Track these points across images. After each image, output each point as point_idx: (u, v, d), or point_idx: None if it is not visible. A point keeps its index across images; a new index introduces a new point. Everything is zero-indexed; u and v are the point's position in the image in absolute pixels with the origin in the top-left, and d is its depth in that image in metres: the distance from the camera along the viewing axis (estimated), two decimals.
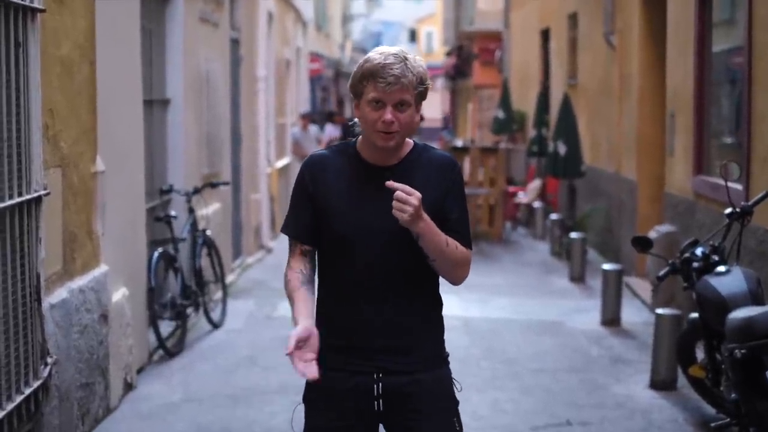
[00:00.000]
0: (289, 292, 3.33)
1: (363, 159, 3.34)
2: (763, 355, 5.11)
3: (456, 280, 3.37)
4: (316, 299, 3.39)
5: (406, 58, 3.22)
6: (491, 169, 16.22)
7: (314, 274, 3.41)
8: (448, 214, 3.31)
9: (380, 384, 3.30)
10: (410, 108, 3.24)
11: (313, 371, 3.12)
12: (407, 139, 3.37)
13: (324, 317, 3.37)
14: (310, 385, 3.38)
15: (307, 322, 3.20)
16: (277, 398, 7.02)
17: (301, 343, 3.13)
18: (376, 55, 3.24)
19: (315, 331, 3.19)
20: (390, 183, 3.16)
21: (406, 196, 3.13)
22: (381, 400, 3.31)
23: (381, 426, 3.40)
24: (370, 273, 3.28)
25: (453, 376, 3.45)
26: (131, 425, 6.54)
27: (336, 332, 3.33)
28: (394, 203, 3.14)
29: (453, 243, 3.27)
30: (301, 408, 3.44)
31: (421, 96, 3.27)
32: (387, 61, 3.19)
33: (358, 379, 3.30)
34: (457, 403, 3.43)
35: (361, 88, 3.25)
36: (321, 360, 3.32)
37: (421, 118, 3.36)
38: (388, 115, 3.20)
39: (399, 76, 3.18)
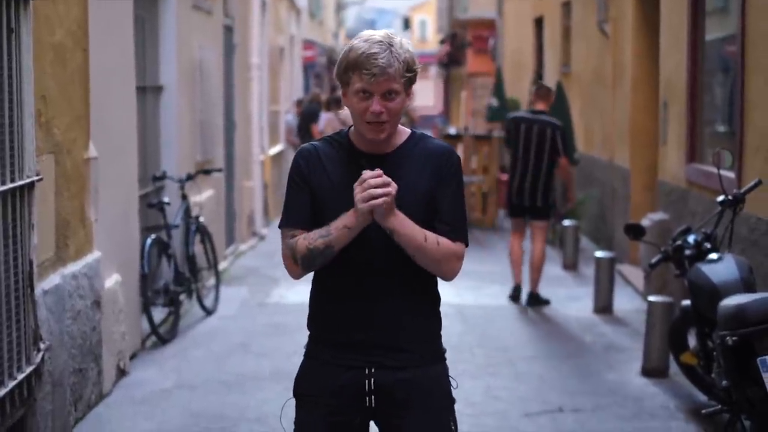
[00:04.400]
0: (310, 239, 3.16)
1: (356, 148, 3.26)
2: (755, 342, 5.12)
3: (443, 275, 3.26)
4: (310, 291, 3.35)
5: (391, 45, 3.11)
6: (484, 157, 16.23)
7: None
8: (437, 205, 3.22)
9: (372, 379, 3.23)
10: (399, 95, 3.14)
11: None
12: (404, 128, 3.30)
13: (317, 312, 3.33)
14: (300, 380, 3.35)
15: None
16: (269, 384, 7.03)
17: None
18: (360, 42, 3.13)
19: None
20: (365, 173, 3.07)
21: (383, 188, 3.04)
22: (373, 396, 3.23)
23: (373, 423, 3.34)
24: (365, 267, 3.20)
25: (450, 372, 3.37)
26: (124, 411, 6.55)
27: (329, 327, 3.28)
28: (361, 193, 3.05)
29: (433, 238, 3.16)
30: (292, 402, 3.38)
31: (410, 81, 3.17)
32: (372, 51, 3.08)
33: (350, 373, 3.23)
34: (453, 401, 3.35)
35: (346, 79, 3.14)
36: (313, 354, 3.32)
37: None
38: (377, 106, 3.11)
39: (384, 66, 3.08)
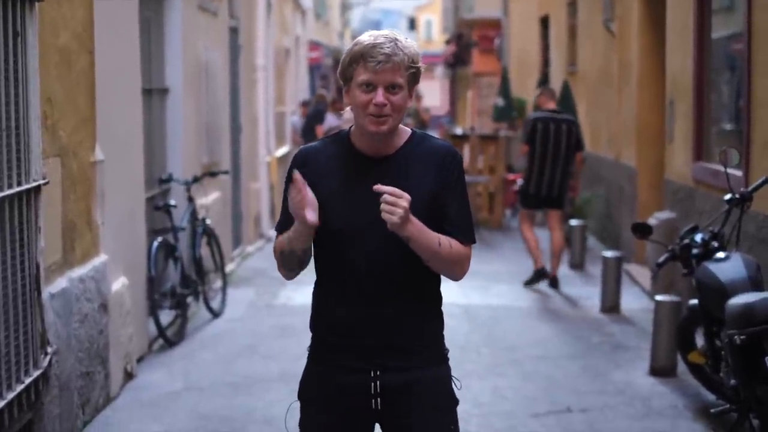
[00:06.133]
0: (280, 240, 3.25)
1: (357, 149, 3.24)
2: (763, 340, 5.11)
3: (454, 277, 3.28)
4: (312, 293, 3.35)
5: (396, 39, 3.15)
6: (491, 157, 16.23)
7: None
8: (445, 208, 3.21)
9: (378, 382, 3.22)
10: (402, 90, 3.14)
11: (312, 216, 3.11)
12: (405, 128, 3.28)
13: (320, 315, 3.32)
14: (305, 383, 3.35)
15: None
16: (277, 386, 7.03)
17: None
18: (365, 37, 3.16)
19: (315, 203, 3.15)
20: (377, 187, 3.05)
21: (396, 199, 3.03)
22: (378, 399, 3.23)
23: (377, 425, 3.34)
24: (367, 269, 3.18)
25: (452, 372, 3.36)
26: (132, 414, 6.55)
27: (333, 329, 3.27)
28: (383, 206, 3.03)
29: (446, 242, 3.17)
30: (297, 404, 3.38)
31: (414, 77, 3.17)
32: (377, 41, 3.11)
33: (355, 376, 3.23)
34: (456, 402, 3.35)
35: (351, 72, 3.15)
36: (317, 357, 3.32)
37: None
38: (380, 97, 3.10)
39: (390, 54, 3.09)
